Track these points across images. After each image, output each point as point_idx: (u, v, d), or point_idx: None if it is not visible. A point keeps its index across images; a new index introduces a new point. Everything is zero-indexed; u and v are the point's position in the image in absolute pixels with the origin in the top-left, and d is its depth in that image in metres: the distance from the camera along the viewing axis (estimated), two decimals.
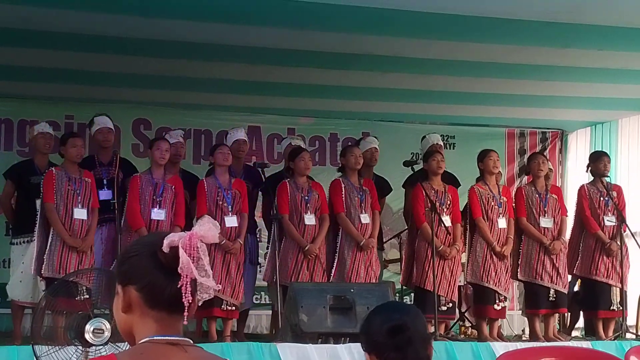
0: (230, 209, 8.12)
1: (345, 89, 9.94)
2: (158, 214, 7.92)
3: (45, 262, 7.58)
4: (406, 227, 9.48)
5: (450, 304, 8.53)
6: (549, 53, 8.57)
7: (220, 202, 8.10)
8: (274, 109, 10.92)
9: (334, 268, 8.36)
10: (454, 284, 8.54)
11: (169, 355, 2.22)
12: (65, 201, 7.73)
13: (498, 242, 8.60)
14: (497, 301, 8.56)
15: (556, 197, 8.94)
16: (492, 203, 8.67)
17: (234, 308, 8.09)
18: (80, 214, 7.76)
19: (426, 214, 8.46)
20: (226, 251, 7.95)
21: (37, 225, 7.73)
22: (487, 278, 8.55)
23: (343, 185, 8.51)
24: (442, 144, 9.74)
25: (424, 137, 9.58)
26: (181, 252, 2.18)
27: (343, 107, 10.89)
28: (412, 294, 9.24)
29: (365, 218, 8.45)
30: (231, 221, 8.07)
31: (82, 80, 9.45)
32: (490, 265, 8.56)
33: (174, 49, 8.40)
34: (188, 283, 2.18)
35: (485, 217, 8.66)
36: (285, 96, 10.28)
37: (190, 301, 2.20)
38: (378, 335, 3.11)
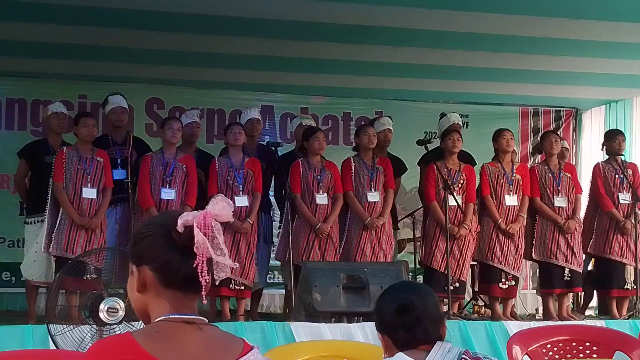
0: (241, 189, 8.11)
1: (358, 64, 9.90)
2: (168, 193, 7.92)
3: (53, 241, 7.61)
4: (420, 206, 9.48)
5: (458, 284, 8.51)
6: (561, 24, 8.51)
7: (231, 182, 8.09)
8: (287, 86, 10.89)
9: (342, 246, 8.37)
10: (463, 264, 8.51)
11: (185, 334, 2.23)
12: (74, 180, 7.73)
13: (506, 220, 8.56)
14: (503, 280, 8.53)
15: (570, 175, 8.90)
16: (502, 180, 8.63)
17: (243, 288, 8.08)
18: (89, 193, 7.75)
19: (437, 193, 8.45)
20: (236, 230, 7.95)
21: (48, 204, 7.76)
22: (492, 256, 8.52)
23: (353, 164, 8.50)
24: (461, 123, 9.68)
25: (444, 115, 9.50)
26: (196, 231, 2.18)
27: (356, 84, 10.84)
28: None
29: (373, 196, 8.42)
30: (241, 201, 8.06)
31: (94, 57, 9.45)
32: (495, 244, 8.52)
33: (186, 22, 8.40)
34: (204, 262, 2.19)
35: (493, 195, 8.63)
36: (298, 72, 10.24)
37: (207, 280, 2.20)
38: (387, 315, 3.12)
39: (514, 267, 8.58)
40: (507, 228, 8.51)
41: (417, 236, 9.79)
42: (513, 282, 8.61)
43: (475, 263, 9.09)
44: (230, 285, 7.94)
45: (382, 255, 8.39)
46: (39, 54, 9.36)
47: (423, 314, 3.09)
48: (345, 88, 11.04)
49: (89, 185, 7.77)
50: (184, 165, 8.06)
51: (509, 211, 8.61)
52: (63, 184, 7.71)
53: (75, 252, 7.39)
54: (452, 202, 8.35)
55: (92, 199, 7.77)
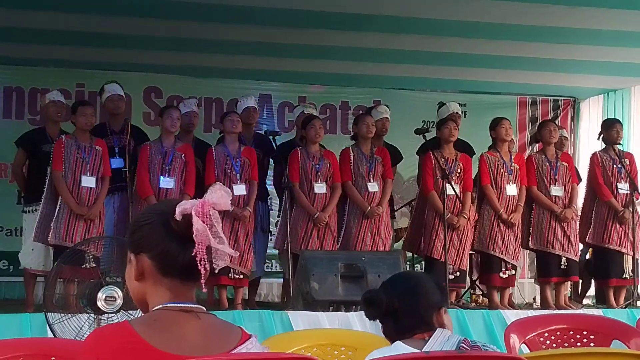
0: (238, 177, 8.11)
1: (356, 51, 9.88)
2: (167, 182, 7.92)
3: (52, 230, 7.60)
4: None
5: (458, 273, 8.52)
6: (561, 12, 8.52)
7: (229, 171, 8.09)
8: (285, 73, 10.85)
9: (341, 236, 8.37)
10: (463, 253, 8.51)
11: (183, 322, 2.23)
12: (74, 169, 7.72)
13: (507, 210, 8.56)
14: (503, 269, 8.53)
15: (567, 164, 8.90)
16: (502, 170, 8.63)
17: (242, 276, 8.09)
18: (88, 182, 7.75)
19: (435, 182, 8.45)
20: (235, 219, 7.95)
21: (45, 192, 7.75)
22: (494, 246, 8.52)
23: (352, 154, 8.50)
24: (460, 113, 9.67)
25: (443, 104, 9.50)
26: (195, 219, 2.18)
27: (354, 70, 10.80)
28: (423, 262, 9.25)
29: (373, 186, 8.42)
30: (239, 189, 8.07)
31: (92, 43, 9.45)
32: (497, 234, 8.53)
33: (185, 10, 8.43)
34: (203, 250, 2.18)
35: (494, 185, 8.62)
36: (297, 58, 10.23)
37: (206, 269, 2.20)
38: (384, 303, 3.13)
39: (514, 257, 8.59)
40: (509, 218, 8.51)
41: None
42: (513, 272, 8.63)
43: (473, 252, 9.10)
44: (230, 274, 7.94)
45: (382, 244, 8.40)
46: (37, 40, 9.36)
47: (413, 303, 3.11)
48: (344, 74, 11.01)
49: (88, 174, 7.77)
50: (183, 155, 8.06)
51: (509, 201, 8.61)
52: (62, 172, 7.70)
53: (74, 242, 7.38)
54: (450, 191, 8.36)
55: (91, 187, 7.76)
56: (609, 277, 8.84)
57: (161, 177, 7.91)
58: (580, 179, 9.71)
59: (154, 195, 7.83)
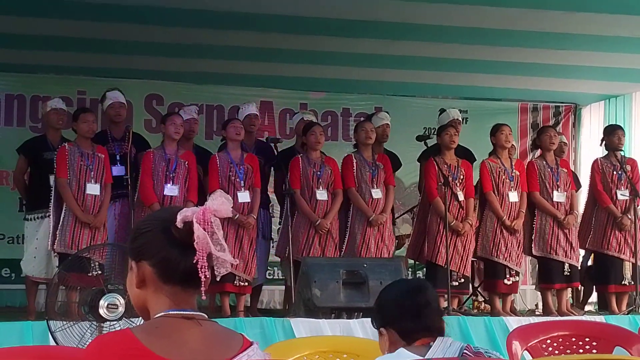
0: (242, 184, 8.11)
1: (357, 57, 9.88)
2: (171, 189, 7.92)
3: (57, 238, 7.60)
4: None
5: (462, 279, 8.52)
6: (561, 17, 8.52)
7: (233, 178, 8.09)
8: (286, 80, 10.84)
9: (345, 243, 8.36)
10: (467, 259, 8.52)
11: (184, 329, 2.23)
12: (78, 177, 7.74)
13: (509, 216, 8.56)
14: (507, 276, 8.53)
15: (566, 170, 8.92)
16: (504, 176, 8.63)
17: (246, 284, 8.09)
18: (93, 189, 7.77)
19: (439, 189, 8.44)
20: (240, 226, 7.95)
21: (52, 201, 7.75)
22: (497, 253, 8.52)
23: (355, 161, 8.50)
24: (460, 119, 9.67)
25: (444, 110, 9.50)
26: (196, 226, 2.18)
27: (354, 76, 10.78)
28: (424, 269, 9.24)
29: (376, 193, 8.43)
30: (244, 196, 8.07)
31: (93, 50, 9.47)
32: (500, 240, 8.53)
33: (186, 16, 8.45)
34: (204, 258, 2.19)
35: (496, 191, 8.62)
36: (297, 63, 10.23)
37: (207, 276, 2.20)
38: (394, 304, 3.15)
39: (517, 263, 8.60)
40: (512, 225, 8.51)
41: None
42: (517, 278, 8.63)
43: (475, 259, 9.09)
44: (235, 282, 7.94)
45: (386, 250, 8.41)
46: (38, 48, 9.38)
47: (433, 298, 3.14)
48: (345, 80, 10.98)
49: (92, 181, 7.78)
50: (186, 162, 8.06)
51: (511, 207, 8.61)
52: (67, 179, 7.71)
53: (80, 249, 7.38)
54: (458, 197, 8.35)
55: (95, 195, 7.78)
56: (608, 283, 8.85)
57: (165, 185, 7.91)
58: (579, 186, 9.72)
59: (158, 203, 7.82)
